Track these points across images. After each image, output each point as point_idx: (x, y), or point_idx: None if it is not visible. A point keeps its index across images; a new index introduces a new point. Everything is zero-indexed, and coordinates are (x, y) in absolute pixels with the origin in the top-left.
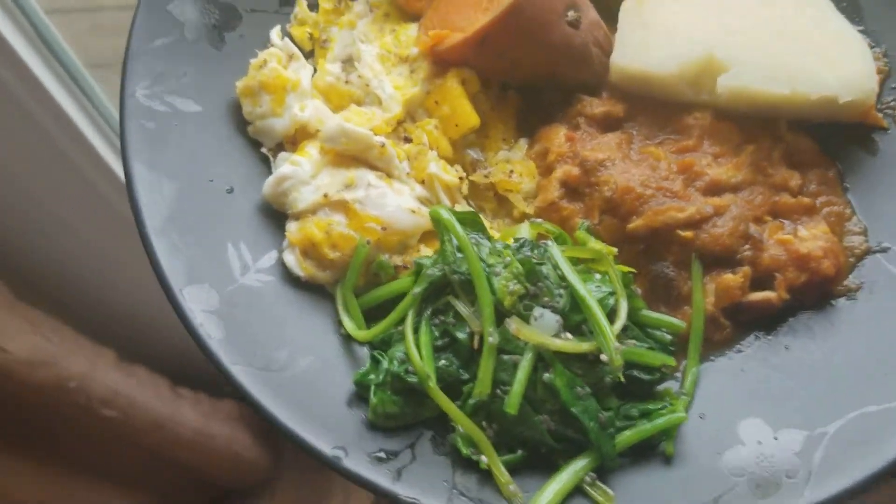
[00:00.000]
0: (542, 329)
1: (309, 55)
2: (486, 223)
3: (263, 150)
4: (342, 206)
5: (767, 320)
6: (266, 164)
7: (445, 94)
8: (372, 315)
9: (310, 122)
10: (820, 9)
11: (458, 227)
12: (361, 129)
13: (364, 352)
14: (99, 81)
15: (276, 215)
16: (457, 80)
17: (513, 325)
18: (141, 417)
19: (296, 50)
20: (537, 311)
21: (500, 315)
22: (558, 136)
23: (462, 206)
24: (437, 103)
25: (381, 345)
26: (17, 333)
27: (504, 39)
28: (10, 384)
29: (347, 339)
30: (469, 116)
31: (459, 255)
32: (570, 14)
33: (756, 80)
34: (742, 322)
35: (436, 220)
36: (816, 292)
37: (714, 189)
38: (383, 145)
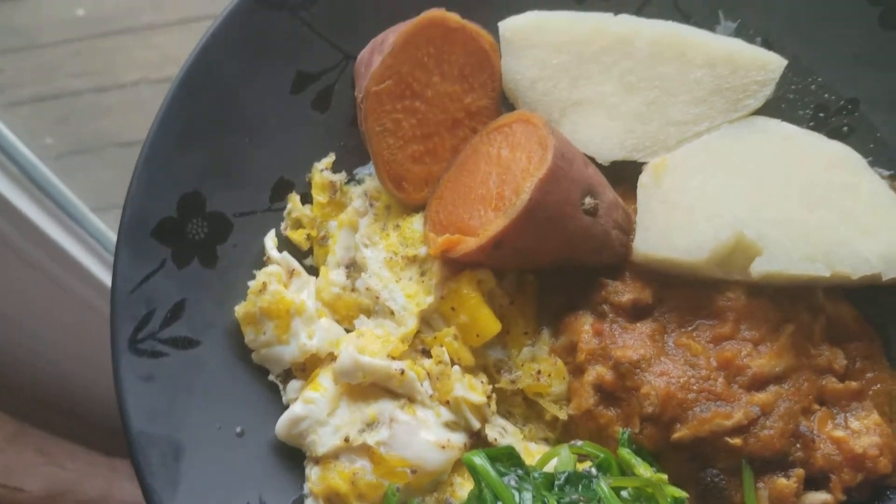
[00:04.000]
0: None
1: (307, 253)
2: (519, 432)
3: (271, 377)
4: (366, 451)
5: None
6: (275, 391)
7: (462, 302)
8: None
9: (320, 350)
10: (851, 170)
11: (495, 476)
12: (378, 361)
13: None
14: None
15: (291, 453)
16: (472, 286)
17: None
18: None
19: (296, 264)
20: None
21: None
22: (585, 329)
23: (492, 419)
24: (454, 310)
25: None
26: (31, 469)
27: (520, 239)
28: None
29: None
30: (490, 325)
31: (499, 502)
32: (587, 201)
33: (791, 264)
34: None
35: (470, 467)
36: (871, 487)
37: (758, 383)
38: (402, 372)
